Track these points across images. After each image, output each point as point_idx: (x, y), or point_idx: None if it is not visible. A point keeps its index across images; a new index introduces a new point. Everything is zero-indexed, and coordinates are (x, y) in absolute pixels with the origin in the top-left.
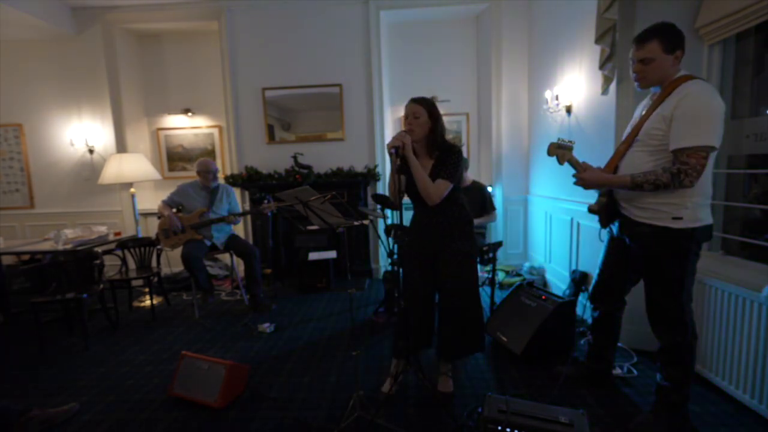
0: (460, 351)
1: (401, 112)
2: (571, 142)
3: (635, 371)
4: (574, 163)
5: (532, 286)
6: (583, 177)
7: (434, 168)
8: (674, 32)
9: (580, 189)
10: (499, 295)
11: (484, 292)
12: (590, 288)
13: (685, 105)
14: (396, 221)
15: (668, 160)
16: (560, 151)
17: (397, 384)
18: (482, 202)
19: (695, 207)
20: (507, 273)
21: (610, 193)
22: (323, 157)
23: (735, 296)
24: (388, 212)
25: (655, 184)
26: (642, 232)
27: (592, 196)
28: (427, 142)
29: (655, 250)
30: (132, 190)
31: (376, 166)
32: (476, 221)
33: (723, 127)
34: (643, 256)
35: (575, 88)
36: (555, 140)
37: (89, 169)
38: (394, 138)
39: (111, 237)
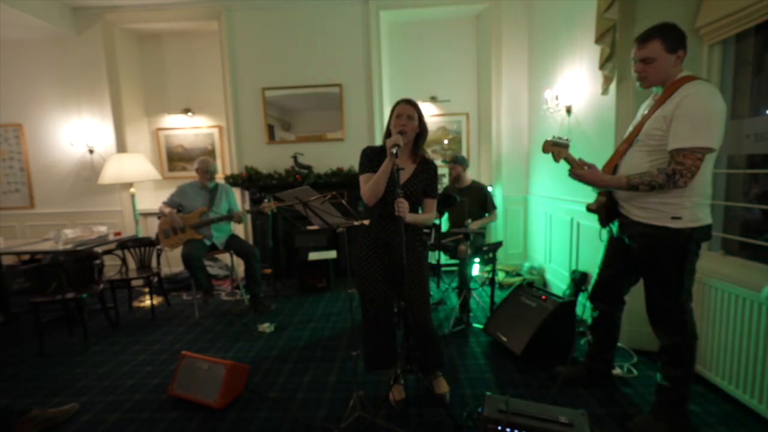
0: (437, 359)
1: None
2: (566, 139)
3: (635, 371)
4: (570, 161)
5: (532, 286)
6: (580, 173)
7: (418, 179)
8: (676, 32)
9: (580, 189)
10: (499, 295)
11: (484, 292)
12: (590, 288)
13: (685, 105)
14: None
15: (666, 161)
16: (556, 148)
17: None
18: (483, 202)
19: (694, 207)
20: (507, 273)
21: (609, 193)
22: (323, 157)
23: (735, 296)
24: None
25: (650, 185)
26: (641, 232)
27: (592, 196)
28: (412, 145)
29: (654, 250)
30: (132, 190)
31: None
32: (478, 223)
33: (723, 128)
34: (643, 255)
35: (575, 88)
36: (550, 137)
37: (89, 169)
38: (394, 138)
39: (111, 237)
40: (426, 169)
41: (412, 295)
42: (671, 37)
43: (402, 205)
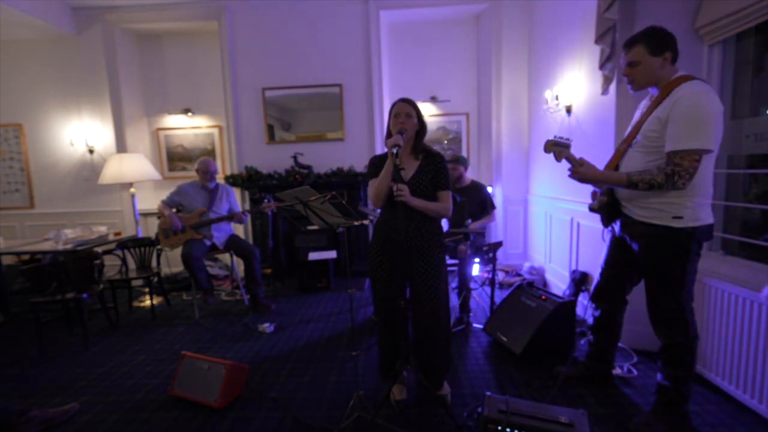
0: (442, 369)
1: None
2: (568, 139)
3: (635, 371)
4: (571, 160)
5: (532, 286)
6: (580, 171)
7: (423, 173)
8: (661, 35)
9: (580, 189)
10: (499, 295)
11: (484, 292)
12: (592, 288)
13: (680, 107)
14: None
15: (664, 161)
16: (557, 148)
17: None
18: (482, 202)
19: (696, 206)
20: (507, 273)
21: (611, 193)
22: (323, 157)
23: (735, 296)
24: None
25: (650, 184)
26: (643, 232)
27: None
28: (413, 142)
29: (655, 250)
30: (132, 190)
31: None
32: (478, 223)
33: (721, 128)
34: (644, 255)
35: (575, 87)
36: (552, 137)
37: (89, 169)
38: (394, 138)
39: (111, 237)
40: (431, 162)
41: (425, 300)
42: (654, 40)
43: (401, 188)
